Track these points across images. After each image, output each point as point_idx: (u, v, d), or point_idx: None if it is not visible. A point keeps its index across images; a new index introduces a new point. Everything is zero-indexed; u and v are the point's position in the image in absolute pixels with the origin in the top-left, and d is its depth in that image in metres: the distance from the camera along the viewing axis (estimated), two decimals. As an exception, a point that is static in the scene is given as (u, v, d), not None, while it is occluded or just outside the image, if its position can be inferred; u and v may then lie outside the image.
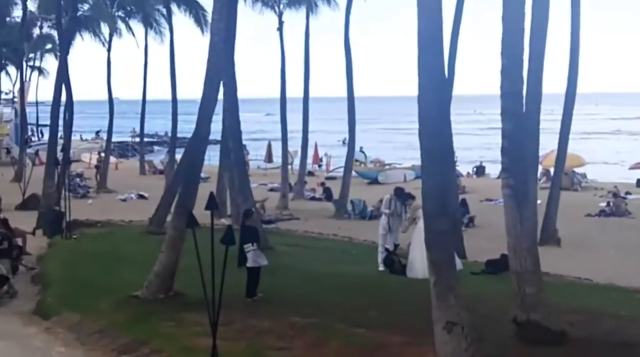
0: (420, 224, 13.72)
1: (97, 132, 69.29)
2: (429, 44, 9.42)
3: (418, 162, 12.97)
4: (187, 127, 41.91)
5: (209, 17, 33.63)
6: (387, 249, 16.27)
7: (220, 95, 17.12)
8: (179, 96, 39.77)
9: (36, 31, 56.92)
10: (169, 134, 46.00)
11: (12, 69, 65.93)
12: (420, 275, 14.24)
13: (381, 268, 16.18)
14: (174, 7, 39.22)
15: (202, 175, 18.20)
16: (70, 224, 21.01)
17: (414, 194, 15.90)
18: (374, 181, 41.09)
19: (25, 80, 59.05)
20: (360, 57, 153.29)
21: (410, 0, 9.53)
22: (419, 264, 14.71)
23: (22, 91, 53.35)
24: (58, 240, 20.43)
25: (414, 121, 10.07)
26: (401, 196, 16.68)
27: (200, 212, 10.86)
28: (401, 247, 16.45)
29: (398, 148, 69.45)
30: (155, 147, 71.79)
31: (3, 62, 59.99)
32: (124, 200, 33.71)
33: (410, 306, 11.92)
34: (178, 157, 33.06)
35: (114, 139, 47.88)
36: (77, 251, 18.54)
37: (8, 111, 61.50)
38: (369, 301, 12.65)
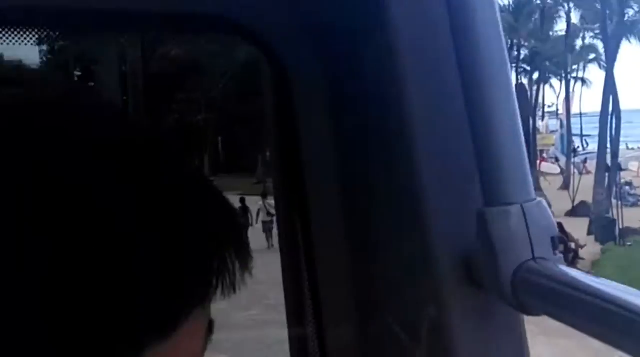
0: None
1: (644, 141, 66.82)
2: None
3: None
4: None
5: None
6: None
7: None
8: None
9: (579, 42, 57.82)
10: None
11: (555, 82, 68.38)
12: None
13: None
14: None
15: None
16: (623, 231, 20.82)
17: None
18: None
19: (570, 92, 60.49)
20: None
21: None
22: None
23: (568, 103, 54.63)
24: (611, 246, 20.49)
25: None
26: None
27: None
28: None
29: None
30: None
31: (547, 75, 62.21)
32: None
33: None
34: None
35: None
36: (631, 258, 18.25)
37: (553, 123, 63.86)
38: None
